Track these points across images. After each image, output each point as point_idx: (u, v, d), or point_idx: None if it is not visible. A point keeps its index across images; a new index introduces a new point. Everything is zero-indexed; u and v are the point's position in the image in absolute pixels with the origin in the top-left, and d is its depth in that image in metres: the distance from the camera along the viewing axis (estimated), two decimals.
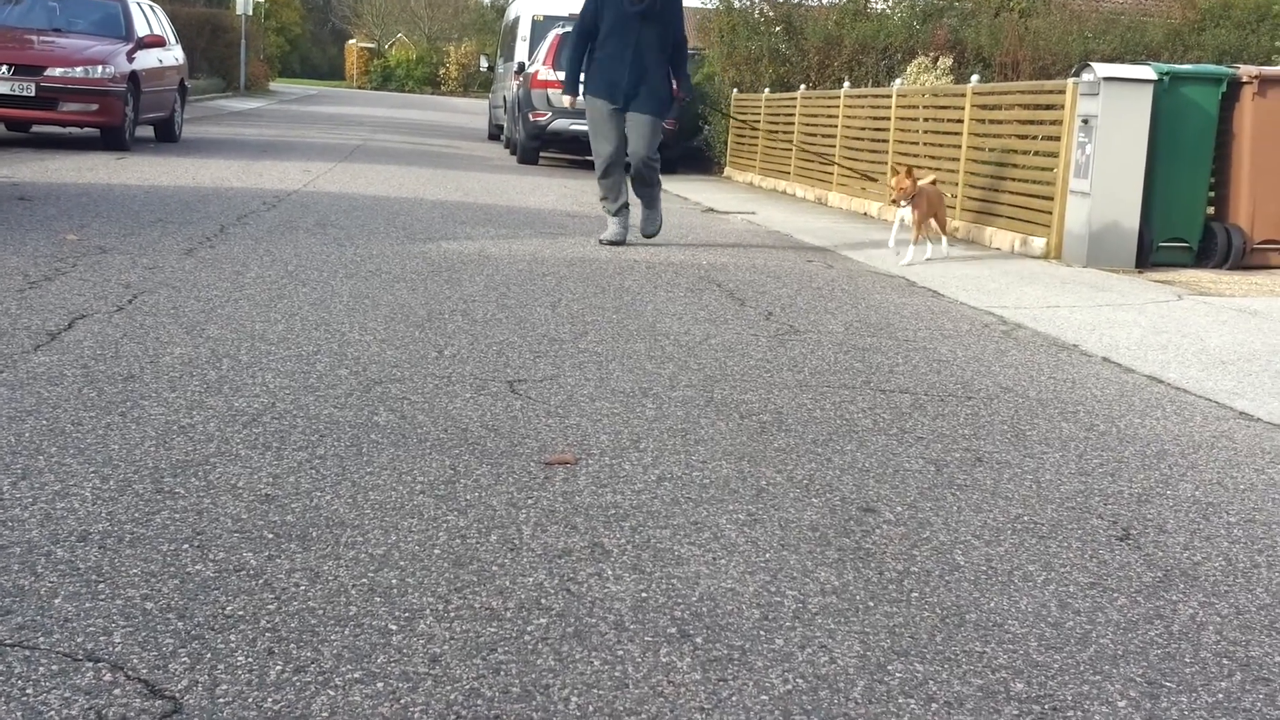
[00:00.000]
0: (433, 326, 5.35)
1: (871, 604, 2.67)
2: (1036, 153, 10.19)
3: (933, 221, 8.90)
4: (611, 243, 8.90)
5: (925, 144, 12.31)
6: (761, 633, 2.49)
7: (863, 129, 13.85)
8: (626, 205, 9.07)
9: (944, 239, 9.19)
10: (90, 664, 2.17)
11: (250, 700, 2.08)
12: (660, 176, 9.31)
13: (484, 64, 39.63)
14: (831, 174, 14.59)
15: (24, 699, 2.03)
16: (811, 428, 4.10)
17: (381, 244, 7.90)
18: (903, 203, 8.59)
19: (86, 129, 14.78)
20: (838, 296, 7.13)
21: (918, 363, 5.31)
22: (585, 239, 9.13)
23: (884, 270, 8.51)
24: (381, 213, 9.68)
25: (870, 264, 8.81)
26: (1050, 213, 9.72)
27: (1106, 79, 9.13)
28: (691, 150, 19.57)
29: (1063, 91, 9.72)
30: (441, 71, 68.87)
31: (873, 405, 4.47)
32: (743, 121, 17.88)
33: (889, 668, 2.37)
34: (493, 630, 2.42)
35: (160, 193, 10.03)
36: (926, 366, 5.24)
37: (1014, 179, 10.49)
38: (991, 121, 11.07)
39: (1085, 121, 9.25)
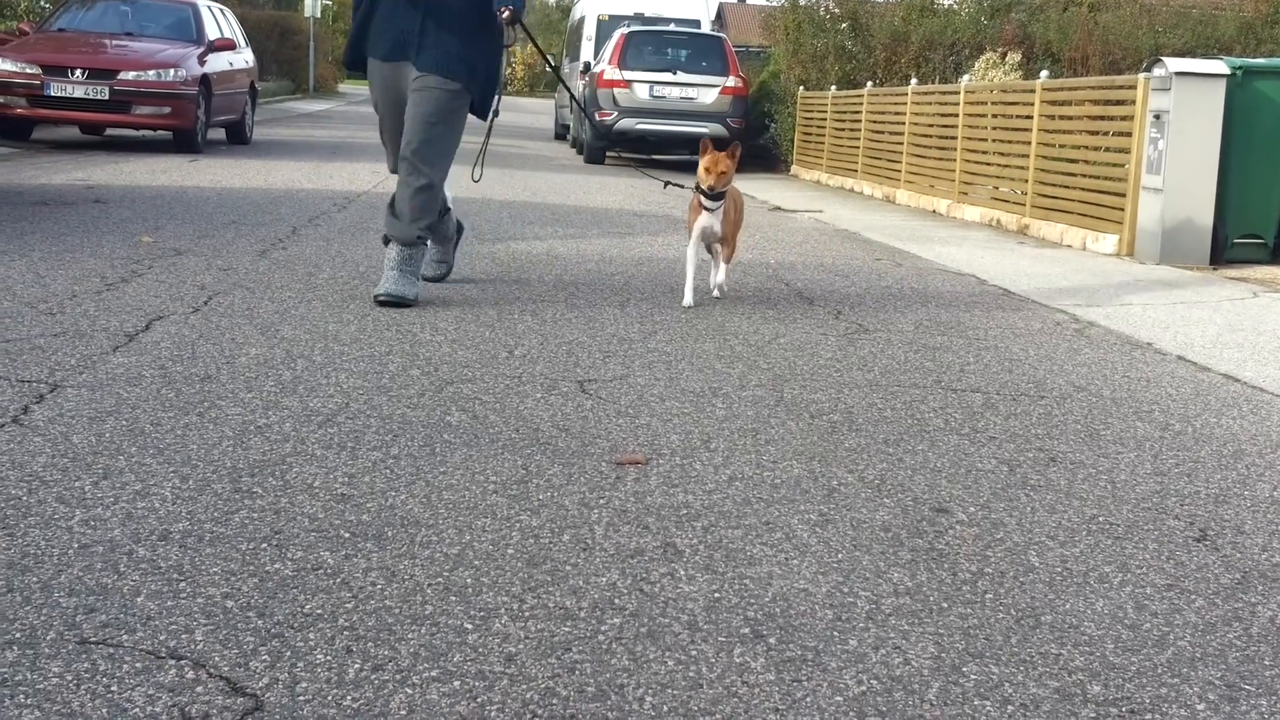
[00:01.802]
0: (503, 326, 5.38)
1: (945, 605, 2.66)
2: (1107, 149, 10.09)
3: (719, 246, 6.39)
4: (430, 279, 6.38)
5: (994, 141, 12.22)
6: (835, 634, 2.49)
7: (930, 126, 13.77)
8: (448, 213, 6.36)
9: (723, 267, 6.48)
10: (173, 661, 2.20)
11: (330, 698, 2.11)
12: (441, 188, 6.08)
13: (550, 64, 39.74)
14: (899, 171, 14.52)
15: (109, 696, 2.07)
16: (883, 427, 4.09)
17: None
18: (712, 206, 6.12)
19: (159, 132, 15.01)
20: (907, 295, 7.09)
21: (989, 361, 5.27)
22: (653, 238, 9.14)
23: (954, 268, 8.45)
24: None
25: (940, 262, 8.76)
26: (1122, 209, 9.63)
27: (1178, 74, 9.02)
28: (757, 148, 19.53)
29: (1134, 87, 9.62)
30: (507, 71, 69.12)
31: (944, 404, 4.45)
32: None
33: (964, 669, 2.36)
34: (567, 630, 2.44)
35: (233, 195, 10.16)
36: (998, 365, 5.21)
37: (1085, 175, 10.39)
38: (1061, 118, 10.97)
39: (1157, 117, 9.15)
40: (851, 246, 9.53)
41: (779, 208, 12.75)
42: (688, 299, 6.23)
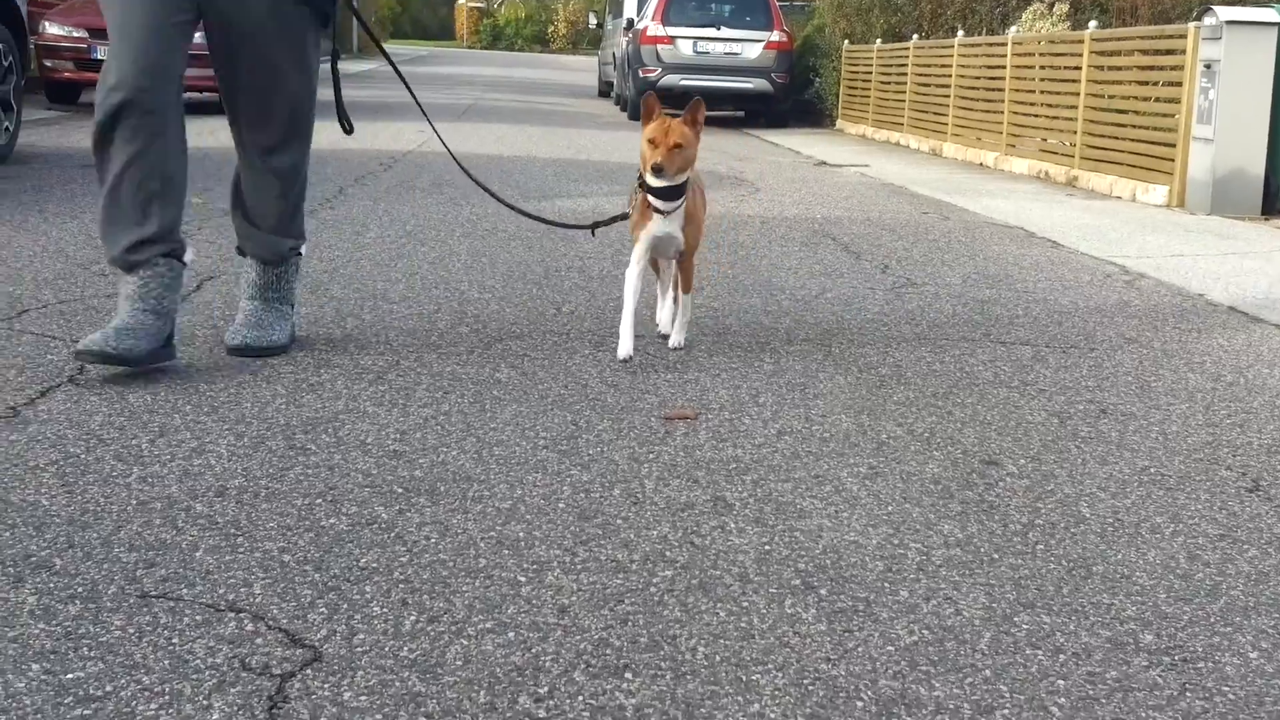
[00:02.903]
0: (550, 284, 5.40)
1: (996, 556, 2.67)
2: (1157, 99, 9.98)
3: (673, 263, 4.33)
4: (96, 356, 3.57)
5: (1042, 92, 12.10)
6: (886, 585, 2.49)
7: (977, 79, 13.65)
8: (174, 229, 3.76)
9: (684, 300, 4.35)
10: (232, 614, 2.24)
11: (387, 649, 2.14)
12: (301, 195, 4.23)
13: (593, 21, 39.63)
14: (946, 124, 14.40)
15: (171, 648, 2.11)
16: (931, 381, 4.08)
17: (495, 203, 7.95)
18: (666, 207, 4.03)
19: (205, 93, 15.06)
20: (955, 248, 7.05)
21: (1038, 314, 5.24)
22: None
23: (1001, 221, 8.40)
24: (495, 171, 9.75)
25: (988, 215, 8.70)
26: (1173, 160, 9.53)
27: (1229, 22, 8.90)
28: (802, 103, 19.42)
29: (1184, 36, 9.50)
30: (550, 29, 68.91)
31: (993, 358, 4.43)
32: None
33: (1015, 619, 2.37)
34: (619, 582, 2.46)
35: None
36: (1047, 318, 5.18)
37: (1134, 126, 10.28)
38: (1110, 68, 10.85)
39: (1208, 66, 9.04)
40: (898, 200, 9.48)
41: (824, 162, 12.68)
42: (625, 348, 4.00)
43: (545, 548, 2.61)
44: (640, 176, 4.04)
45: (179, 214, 3.75)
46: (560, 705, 1.98)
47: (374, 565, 2.48)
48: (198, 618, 2.22)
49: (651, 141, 3.90)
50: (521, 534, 2.67)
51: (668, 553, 2.61)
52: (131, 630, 2.16)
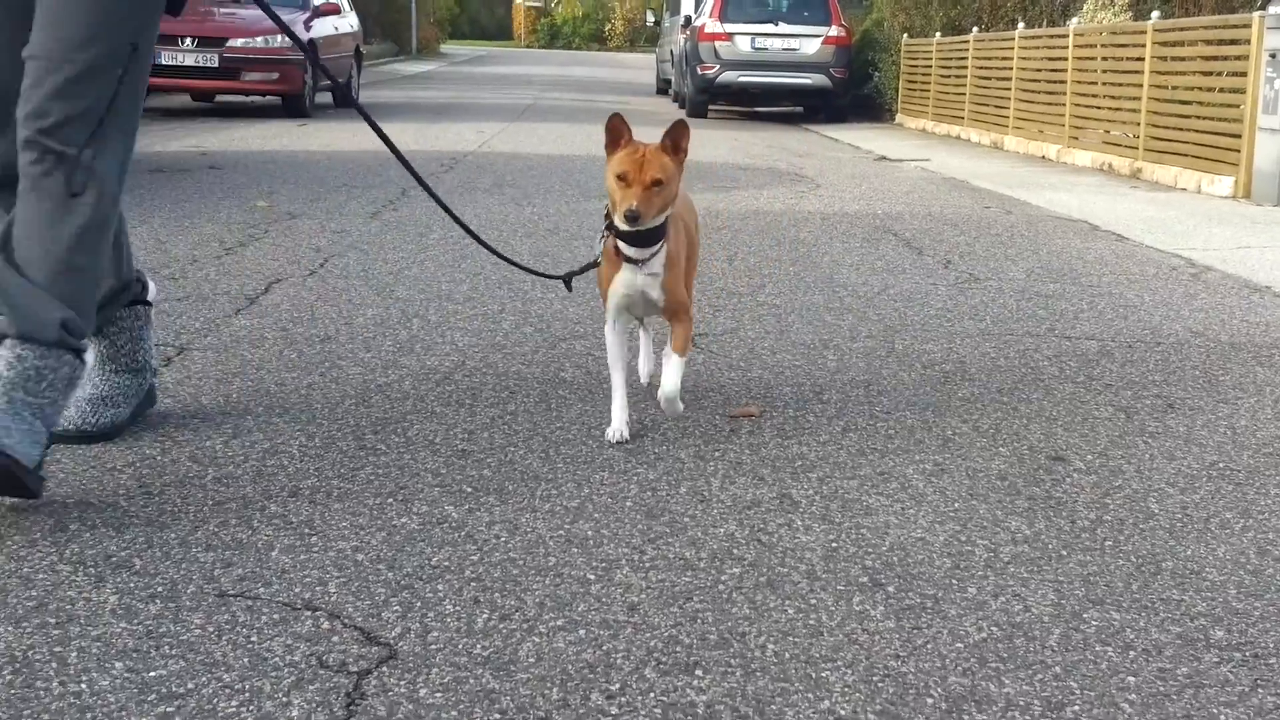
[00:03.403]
0: None
1: (1064, 553, 2.66)
2: (1222, 90, 9.87)
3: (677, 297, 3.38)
4: (81, 433, 3.16)
5: (1104, 84, 12.00)
6: (954, 581, 2.50)
7: (1038, 71, 13.55)
8: (136, 289, 3.33)
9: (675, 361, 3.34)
10: (309, 612, 2.28)
11: (460, 646, 2.17)
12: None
13: (650, 19, 39.66)
14: (1007, 117, 14.31)
15: (249, 646, 2.15)
16: (996, 376, 4.07)
17: (557, 202, 8.01)
18: (638, 255, 3.21)
19: (268, 97, 15.24)
20: (1018, 243, 7.02)
21: (1103, 309, 5.21)
22: (758, 192, 9.12)
23: (1065, 214, 8.34)
24: (556, 171, 9.80)
25: (1050, 209, 8.64)
26: (1238, 151, 9.42)
27: None
28: (861, 98, 19.35)
29: (1248, 26, 9.39)
30: (607, 28, 68.98)
31: (1058, 353, 4.41)
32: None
33: (1084, 616, 2.36)
34: (687, 579, 2.48)
35: (342, 158, 10.30)
36: (1113, 312, 5.14)
37: (1199, 117, 10.18)
38: (1173, 59, 10.74)
39: (1273, 56, 8.93)
40: (959, 195, 9.43)
41: (884, 157, 12.64)
42: (616, 428, 3.31)
43: (614, 545, 2.63)
44: (607, 216, 3.22)
45: (119, 253, 3.18)
46: (632, 702, 2.01)
47: (445, 564, 2.51)
48: (275, 616, 2.26)
49: (622, 178, 3.04)
50: (590, 532, 2.70)
51: (735, 550, 2.63)
52: (211, 629, 2.20)
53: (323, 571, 2.45)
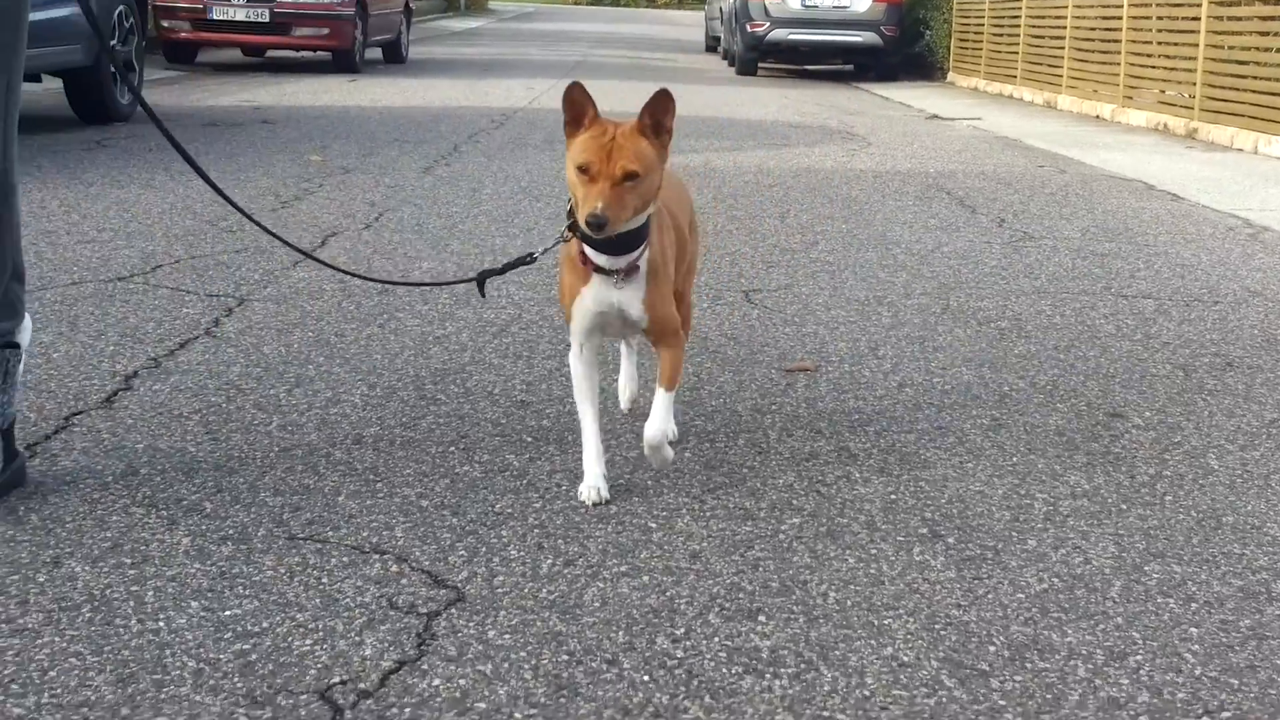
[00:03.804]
0: None
1: (1124, 507, 2.67)
2: (1279, 50, 9.74)
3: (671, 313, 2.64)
4: None
5: (1159, 44, 11.86)
6: (1013, 534, 2.51)
7: (1093, 29, 13.40)
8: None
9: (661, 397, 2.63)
10: (377, 556, 2.32)
11: (526, 590, 2.20)
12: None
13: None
14: (1061, 76, 14.17)
15: (321, 587, 2.19)
16: (1052, 334, 4.06)
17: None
18: (610, 264, 2.50)
19: (319, 53, 15.27)
20: (1072, 201, 6.97)
21: (1160, 268, 5.18)
22: (810, 149, 9.08)
23: (1119, 174, 8.27)
24: None
25: (1105, 168, 8.57)
26: None
27: None
28: (913, 56, 19.18)
29: None
30: None
31: (1114, 311, 4.40)
32: None
33: (1145, 569, 2.37)
34: (748, 529, 2.50)
35: (393, 113, 10.33)
36: (1169, 271, 5.11)
37: (1256, 77, 10.05)
38: (1230, 18, 10.60)
39: None
40: (1012, 154, 9.37)
41: (936, 116, 12.55)
42: (591, 484, 2.63)
43: (674, 495, 2.66)
44: (571, 210, 2.46)
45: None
46: (697, 646, 2.03)
47: (509, 510, 2.54)
48: (344, 559, 2.30)
49: (584, 171, 2.34)
50: (650, 482, 2.73)
51: (794, 501, 2.65)
52: (282, 570, 2.25)
53: (389, 517, 2.49)
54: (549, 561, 2.32)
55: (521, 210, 5.97)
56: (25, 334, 2.68)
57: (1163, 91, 11.81)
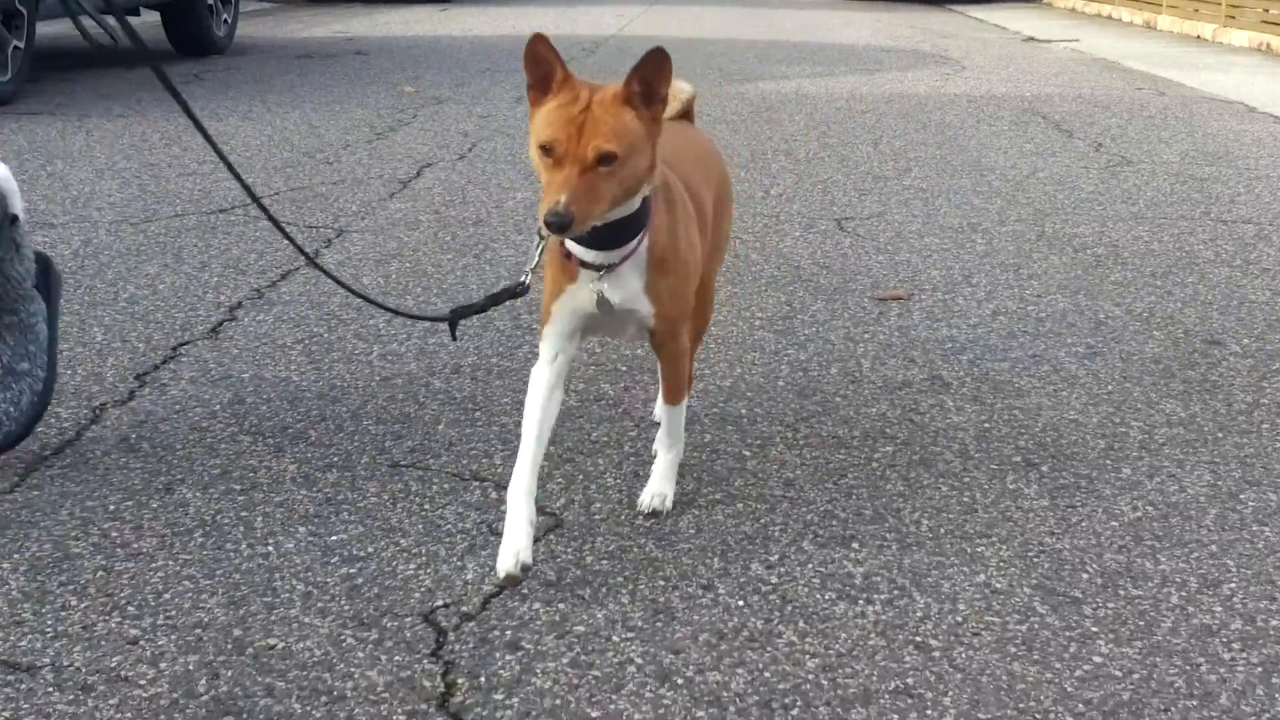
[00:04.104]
0: (757, 166, 5.42)
1: (1220, 435, 2.65)
2: None
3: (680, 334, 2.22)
4: None
5: None
6: (1108, 462, 2.51)
7: None
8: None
9: (667, 408, 2.29)
10: (476, 483, 2.38)
11: (622, 518, 2.25)
12: None
13: None
14: None
15: (423, 513, 2.25)
16: (1149, 260, 4.02)
17: (700, 86, 7.95)
18: (595, 259, 2.07)
19: None
20: (1171, 125, 6.84)
21: (1260, 192, 5.08)
22: (902, 74, 8.98)
23: (1220, 96, 8.09)
24: (697, 54, 9.74)
25: (1205, 90, 8.39)
26: None
27: None
28: None
29: None
30: None
31: (1213, 236, 4.33)
32: None
33: (1241, 497, 2.37)
34: (841, 457, 2.52)
35: (484, 43, 10.35)
36: (1270, 196, 5.02)
37: None
38: None
39: None
40: (1110, 76, 9.19)
41: (1032, 38, 12.32)
42: (511, 552, 1.95)
43: (767, 424, 2.69)
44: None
45: None
46: (791, 572, 2.07)
47: (604, 439, 2.59)
48: (445, 486, 2.36)
49: (548, 151, 1.91)
50: (744, 411, 2.75)
51: (887, 429, 2.66)
52: (386, 497, 2.31)
53: (488, 445, 2.55)
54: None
55: None
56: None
57: (1266, 11, 11.49)
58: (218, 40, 8.96)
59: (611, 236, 2.01)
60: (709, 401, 2.79)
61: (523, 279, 2.27)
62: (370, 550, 2.11)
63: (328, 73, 8.19)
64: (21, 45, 6.58)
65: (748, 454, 2.53)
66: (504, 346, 3.12)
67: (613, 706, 1.71)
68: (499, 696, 1.73)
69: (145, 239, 3.97)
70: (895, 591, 2.01)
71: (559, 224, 1.86)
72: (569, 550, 2.13)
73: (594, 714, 1.70)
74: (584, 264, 2.06)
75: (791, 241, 4.16)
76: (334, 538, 2.15)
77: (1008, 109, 7.29)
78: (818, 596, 1.99)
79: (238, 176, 2.57)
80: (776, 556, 2.12)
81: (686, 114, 2.50)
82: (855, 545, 2.16)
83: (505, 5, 14.62)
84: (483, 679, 1.77)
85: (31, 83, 6.95)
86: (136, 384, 2.80)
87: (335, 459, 2.46)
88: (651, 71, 1.93)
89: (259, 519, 2.22)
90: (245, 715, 1.67)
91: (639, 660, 1.82)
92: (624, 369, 2.98)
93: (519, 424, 2.63)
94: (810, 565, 2.09)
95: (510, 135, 6.03)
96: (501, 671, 1.79)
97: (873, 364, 3.06)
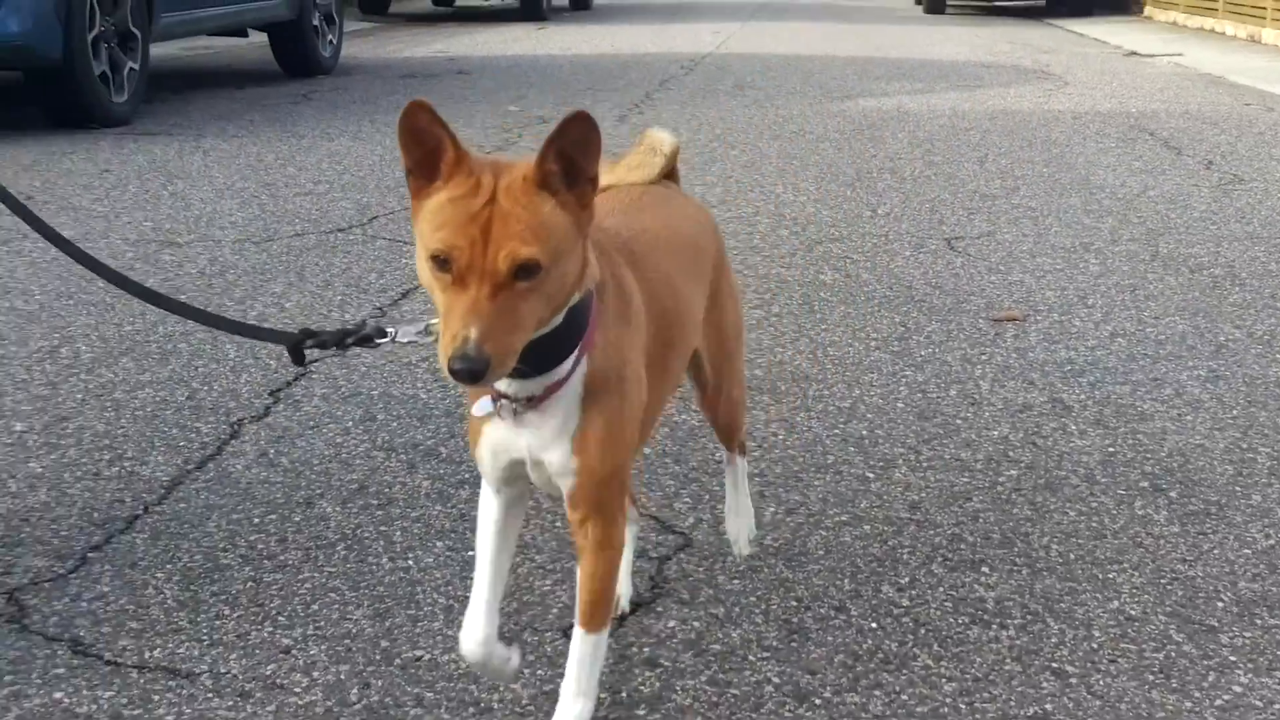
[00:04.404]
0: (863, 185, 5.43)
1: None
2: None
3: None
4: None
5: None
6: (1237, 488, 2.50)
7: None
8: None
9: (579, 636, 1.64)
10: None
11: (751, 539, 2.27)
12: None
13: None
14: (1265, 8, 13.63)
15: (555, 530, 2.29)
16: (1269, 281, 3.97)
17: (800, 104, 8.00)
18: (523, 391, 1.54)
19: (506, 1, 15.47)
20: None
21: None
22: (1004, 90, 8.93)
23: None
24: (796, 72, 9.76)
25: None
26: None
27: None
28: None
29: None
30: None
31: None
32: None
33: None
34: (965, 480, 2.53)
35: (583, 61, 10.44)
36: None
37: None
38: None
39: None
40: (1217, 91, 9.07)
41: (1134, 52, 12.19)
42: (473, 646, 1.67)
43: (889, 445, 2.70)
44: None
45: None
46: (923, 595, 2.08)
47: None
48: None
49: (441, 261, 1.41)
50: (864, 432, 2.77)
51: (1010, 453, 2.67)
52: None
53: None
54: (771, 509, 2.39)
55: (718, 157, 6.01)
56: None
57: None
58: (324, 61, 9.12)
59: (535, 359, 1.47)
60: (829, 422, 2.81)
61: (390, 331, 1.75)
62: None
63: (432, 92, 8.30)
64: (137, 67, 6.75)
65: (871, 475, 2.55)
66: None
67: None
68: (641, 712, 1.77)
69: (268, 258, 4.06)
70: (1029, 617, 2.02)
71: (469, 371, 1.35)
72: (700, 569, 2.16)
73: None
74: (502, 397, 1.54)
75: (902, 261, 4.17)
76: (470, 553, 2.20)
77: (1114, 126, 7.23)
78: (950, 620, 2.01)
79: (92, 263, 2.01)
80: (907, 579, 2.14)
81: (670, 174, 2.01)
82: (985, 569, 2.17)
83: (602, 23, 14.73)
84: (624, 694, 1.81)
85: (146, 104, 7.13)
86: (271, 400, 2.87)
87: (466, 475, 2.51)
88: (574, 143, 1.43)
89: (397, 533, 2.27)
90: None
91: (776, 680, 1.85)
92: None
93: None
94: (941, 589, 2.11)
95: (616, 154, 6.06)
96: (642, 687, 1.82)
97: (992, 386, 3.06)
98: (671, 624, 1.99)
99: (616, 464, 1.59)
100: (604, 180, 1.78)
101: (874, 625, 1.99)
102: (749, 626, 1.98)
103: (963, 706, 1.78)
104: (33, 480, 2.46)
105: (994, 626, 1.99)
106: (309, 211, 4.75)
